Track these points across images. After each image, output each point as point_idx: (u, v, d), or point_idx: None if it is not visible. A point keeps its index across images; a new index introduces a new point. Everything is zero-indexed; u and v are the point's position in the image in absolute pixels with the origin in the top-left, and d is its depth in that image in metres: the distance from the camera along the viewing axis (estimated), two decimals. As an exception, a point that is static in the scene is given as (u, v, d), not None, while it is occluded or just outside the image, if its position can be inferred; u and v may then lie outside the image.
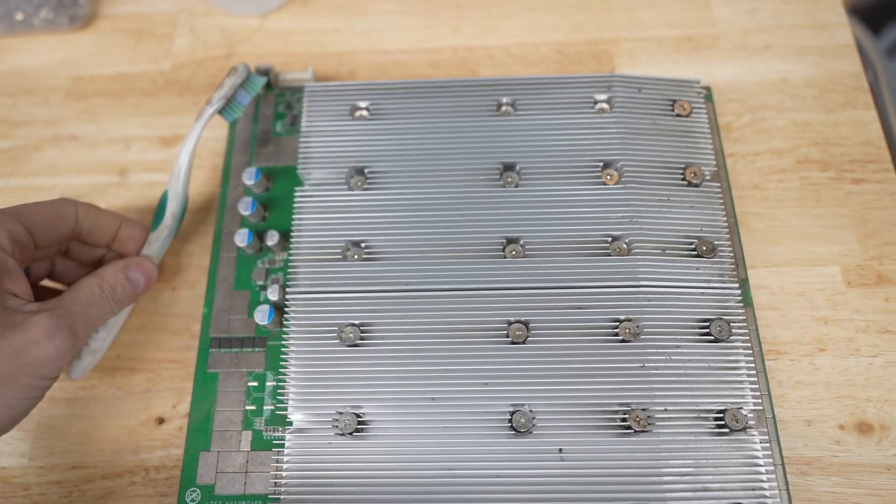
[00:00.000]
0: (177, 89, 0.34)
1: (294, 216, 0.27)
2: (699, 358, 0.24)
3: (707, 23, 0.34)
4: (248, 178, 0.29)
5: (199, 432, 0.26)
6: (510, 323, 0.25)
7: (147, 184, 0.32)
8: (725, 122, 0.31)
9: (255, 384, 0.26)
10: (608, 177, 0.27)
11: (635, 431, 0.23)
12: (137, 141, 0.33)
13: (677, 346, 0.24)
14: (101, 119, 0.33)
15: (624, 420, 0.23)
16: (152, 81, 0.34)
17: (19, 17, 0.35)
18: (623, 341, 0.24)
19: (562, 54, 0.33)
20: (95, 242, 0.27)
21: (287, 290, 0.26)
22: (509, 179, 0.27)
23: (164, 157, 0.32)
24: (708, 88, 0.31)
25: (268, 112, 0.31)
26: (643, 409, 0.24)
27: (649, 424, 0.23)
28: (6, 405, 0.21)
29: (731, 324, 0.25)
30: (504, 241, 0.26)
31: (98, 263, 0.28)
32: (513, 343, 0.25)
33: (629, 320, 0.25)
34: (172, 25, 0.36)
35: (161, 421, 0.27)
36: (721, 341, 0.25)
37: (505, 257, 0.26)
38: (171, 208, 0.28)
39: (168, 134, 0.33)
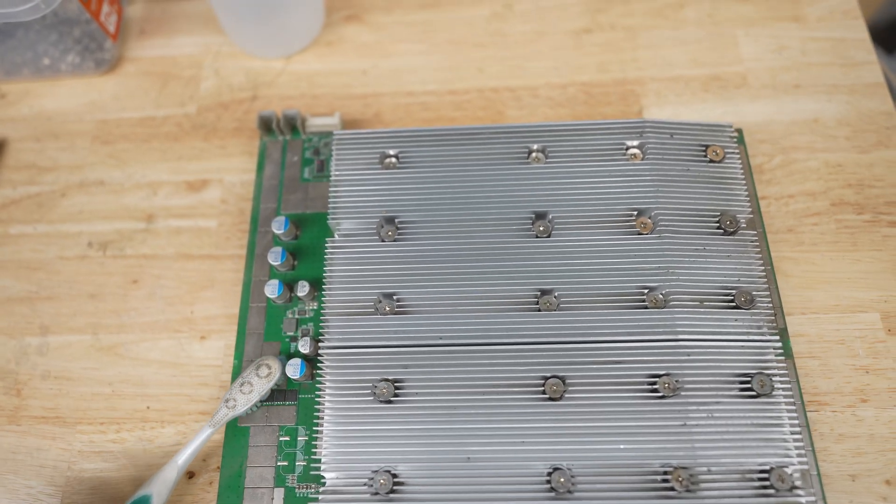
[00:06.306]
0: (203, 133, 0.34)
1: (325, 269, 0.27)
2: (741, 414, 0.24)
3: (734, 61, 0.33)
4: (278, 227, 0.29)
5: (231, 489, 0.26)
6: (546, 378, 0.24)
7: (174, 230, 0.32)
8: (757, 163, 0.31)
9: (287, 439, 0.26)
10: (642, 225, 0.27)
11: (678, 493, 0.23)
12: (164, 186, 0.33)
13: (717, 403, 0.24)
14: (128, 164, 0.33)
15: (666, 481, 0.23)
16: (178, 125, 0.34)
17: (46, 61, 0.35)
18: (662, 397, 0.24)
19: (588, 94, 0.33)
20: None
21: (320, 345, 0.25)
22: (541, 229, 0.27)
23: (190, 202, 0.32)
24: (739, 131, 0.31)
25: (295, 158, 0.31)
26: (684, 468, 0.23)
27: (693, 485, 0.23)
28: None
29: (773, 378, 0.24)
30: (538, 292, 0.26)
31: None
32: (550, 399, 0.24)
33: (668, 375, 0.24)
34: (198, 68, 0.36)
35: (191, 475, 0.27)
36: (763, 396, 0.24)
37: (539, 309, 0.26)
38: None
39: (194, 179, 0.33)
